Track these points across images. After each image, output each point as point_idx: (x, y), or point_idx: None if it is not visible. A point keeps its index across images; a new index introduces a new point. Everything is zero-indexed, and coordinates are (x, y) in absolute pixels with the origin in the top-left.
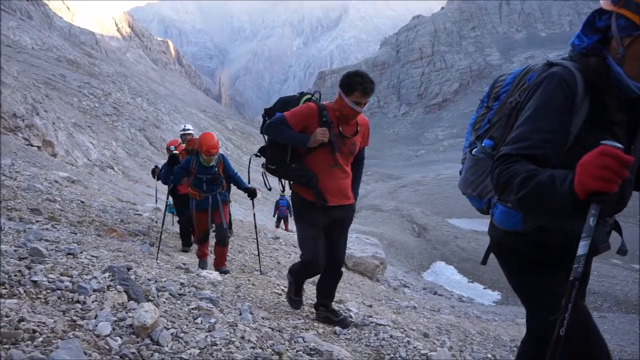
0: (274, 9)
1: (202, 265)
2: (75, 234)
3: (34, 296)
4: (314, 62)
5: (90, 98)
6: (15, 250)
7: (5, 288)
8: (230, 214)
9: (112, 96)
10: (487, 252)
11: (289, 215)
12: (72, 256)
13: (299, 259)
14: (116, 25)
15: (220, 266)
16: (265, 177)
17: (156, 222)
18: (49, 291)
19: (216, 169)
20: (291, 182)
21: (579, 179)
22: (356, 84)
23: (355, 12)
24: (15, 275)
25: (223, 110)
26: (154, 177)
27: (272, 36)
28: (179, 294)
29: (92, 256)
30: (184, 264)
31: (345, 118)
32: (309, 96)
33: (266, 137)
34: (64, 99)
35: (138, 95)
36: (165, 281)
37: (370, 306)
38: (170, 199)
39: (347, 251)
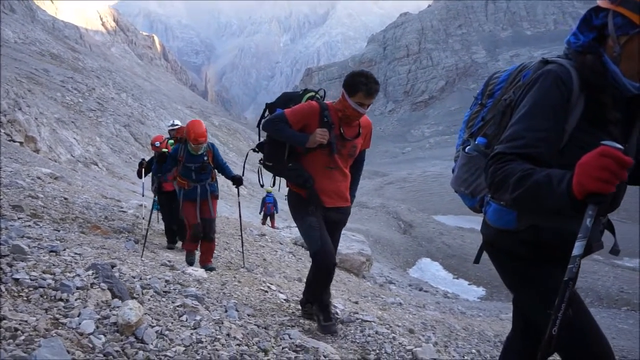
0: (261, 5)
1: (190, 258)
2: (58, 231)
3: (15, 294)
4: (301, 58)
5: (74, 93)
6: None
7: None
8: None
9: (96, 91)
10: (480, 251)
11: (275, 212)
12: (54, 254)
13: (311, 264)
14: (101, 19)
15: (206, 263)
16: (260, 173)
17: (143, 218)
18: (31, 289)
19: (205, 158)
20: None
21: (578, 180)
22: (360, 84)
23: (343, 9)
24: None
25: (209, 107)
26: (140, 171)
27: (259, 32)
28: (164, 292)
29: (76, 253)
30: (169, 261)
31: (347, 119)
32: (312, 94)
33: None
34: (47, 93)
35: (123, 91)
36: (150, 278)
37: (356, 303)
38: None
39: None
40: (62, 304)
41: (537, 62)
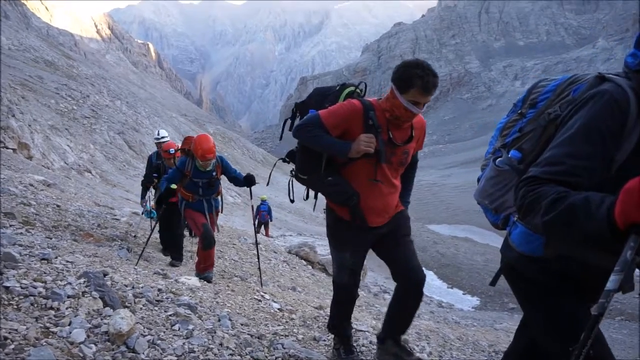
0: (256, 14)
1: (207, 276)
2: (50, 238)
3: (5, 302)
4: (295, 67)
5: (68, 100)
6: None
7: None
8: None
9: (90, 98)
10: (499, 274)
11: (269, 220)
12: (46, 261)
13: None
14: (95, 26)
15: (202, 272)
16: (291, 186)
17: (137, 229)
18: (21, 297)
19: (214, 174)
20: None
21: (623, 208)
22: (415, 77)
23: (338, 18)
24: None
25: (204, 115)
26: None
27: (254, 41)
28: (156, 300)
29: (67, 261)
30: (162, 269)
31: (397, 121)
32: (352, 89)
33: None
34: (41, 100)
35: (117, 98)
36: (142, 287)
37: None
38: (149, 204)
39: (327, 257)
40: (52, 312)
41: (592, 77)
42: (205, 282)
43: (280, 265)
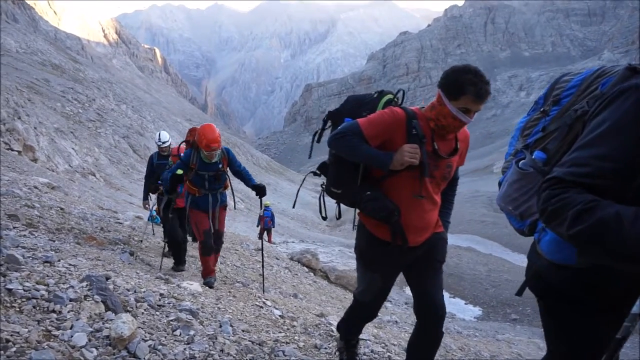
0: (262, 21)
1: (209, 280)
2: (54, 241)
3: (8, 305)
4: (300, 74)
5: (74, 103)
6: None
7: None
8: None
9: (96, 102)
10: (526, 283)
11: (272, 226)
12: (49, 264)
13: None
14: (103, 31)
15: (204, 277)
16: (323, 200)
17: (143, 235)
18: (23, 300)
19: (220, 165)
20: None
21: None
22: (467, 83)
23: (343, 27)
24: None
25: (209, 120)
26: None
27: (259, 47)
28: (158, 305)
29: (70, 264)
30: (164, 274)
31: (443, 131)
32: (391, 97)
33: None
34: (47, 103)
35: (123, 102)
36: (144, 291)
37: None
38: (154, 208)
39: (329, 264)
40: (54, 315)
41: (622, 69)
42: (207, 287)
43: (282, 271)
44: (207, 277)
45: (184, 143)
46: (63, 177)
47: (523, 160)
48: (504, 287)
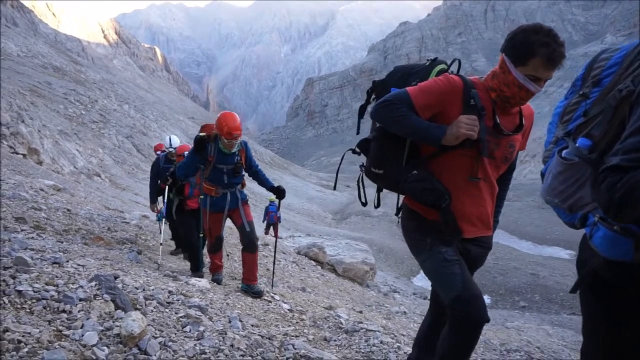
0: (261, 16)
1: (217, 276)
2: (61, 242)
3: (18, 306)
4: (302, 68)
5: (77, 105)
6: None
7: None
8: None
9: (98, 103)
10: (581, 281)
11: (278, 221)
12: (57, 265)
13: (448, 325)
14: (103, 32)
15: (251, 282)
16: (362, 185)
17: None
18: (34, 301)
19: (238, 158)
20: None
21: None
22: (538, 45)
23: (343, 19)
24: (0, 285)
25: (211, 117)
26: (161, 192)
27: (260, 43)
28: (167, 302)
29: (78, 265)
30: (172, 271)
31: (506, 103)
32: (444, 66)
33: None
34: (49, 106)
35: (125, 102)
36: (153, 289)
37: (361, 312)
38: (164, 208)
39: (336, 257)
40: (65, 315)
41: None
42: (215, 283)
43: (290, 266)
44: (215, 273)
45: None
46: (68, 178)
47: (566, 150)
48: (511, 275)
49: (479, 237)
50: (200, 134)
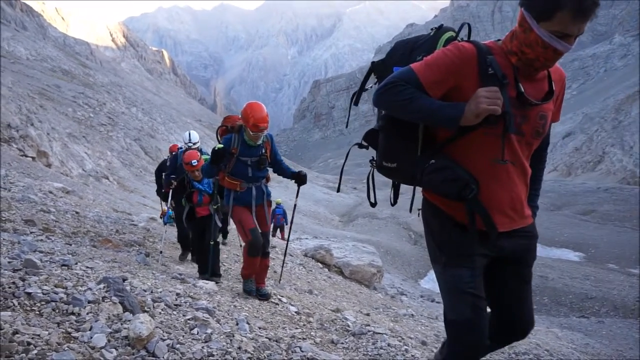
0: (268, 19)
1: (249, 285)
2: (70, 245)
3: (28, 308)
4: (308, 70)
5: (85, 108)
6: (9, 262)
7: None
8: (228, 222)
9: (106, 106)
10: None
11: (284, 223)
12: (66, 267)
13: (446, 337)
14: (111, 35)
15: (260, 285)
16: (372, 182)
17: (167, 234)
18: (43, 303)
19: (263, 150)
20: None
21: None
22: None
23: (350, 21)
24: (10, 287)
25: (218, 120)
26: (167, 193)
27: (266, 45)
28: (174, 305)
29: (87, 267)
30: (180, 274)
31: (530, 68)
32: (452, 34)
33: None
34: (58, 109)
35: (133, 105)
36: (160, 292)
37: (368, 315)
38: (169, 208)
39: (343, 259)
40: (74, 317)
41: None
42: (222, 285)
43: (297, 268)
44: (247, 279)
45: (222, 127)
46: (77, 181)
47: None
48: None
49: (518, 230)
50: (218, 145)
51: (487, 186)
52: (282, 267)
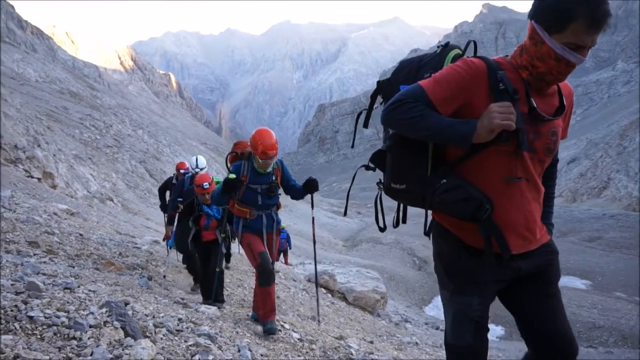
0: (274, 43)
1: (270, 326)
2: (73, 267)
3: (29, 332)
4: (313, 94)
5: (92, 130)
6: (12, 284)
7: (1, 323)
8: (230, 248)
9: (113, 128)
10: None
11: (288, 248)
12: (69, 290)
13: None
14: (119, 58)
15: (268, 318)
16: (380, 205)
17: (173, 259)
18: (45, 327)
19: (274, 177)
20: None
21: None
22: (576, 4)
23: (354, 46)
24: (12, 310)
25: (223, 143)
26: (173, 216)
27: (272, 69)
28: (176, 330)
29: (90, 290)
30: (182, 298)
31: (542, 82)
32: (459, 52)
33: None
34: (65, 130)
35: (139, 127)
36: (162, 316)
37: (372, 342)
38: (172, 234)
39: (347, 285)
40: (75, 342)
41: None
42: (224, 311)
43: (300, 293)
44: (268, 320)
45: (232, 154)
46: (82, 202)
47: None
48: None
49: (533, 251)
50: (230, 175)
51: (501, 206)
52: (318, 304)
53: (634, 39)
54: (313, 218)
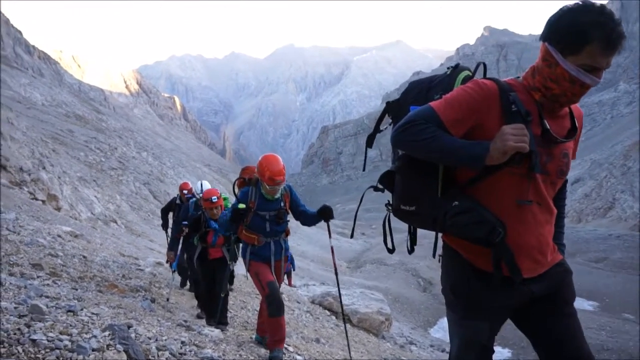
0: (278, 66)
1: (276, 356)
2: (76, 289)
3: (32, 356)
4: (317, 116)
5: (97, 152)
6: (15, 307)
7: (4, 347)
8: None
9: (118, 150)
10: None
11: (292, 269)
12: (72, 313)
13: None
14: (125, 82)
15: (275, 346)
16: (388, 226)
17: (176, 282)
18: (47, 350)
19: (282, 204)
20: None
21: None
22: (592, 27)
23: (357, 69)
24: (15, 334)
25: (227, 165)
26: (178, 238)
27: (276, 92)
28: (179, 353)
29: (93, 313)
30: (185, 321)
31: (555, 104)
32: (469, 73)
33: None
34: (70, 153)
35: (144, 150)
36: (165, 340)
37: None
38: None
39: (351, 307)
40: None
41: None
42: (228, 333)
43: (304, 315)
44: (275, 348)
45: (240, 180)
46: (86, 224)
47: None
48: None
49: (545, 273)
50: (240, 205)
51: (513, 229)
52: (347, 339)
53: (634, 60)
54: (332, 247)
